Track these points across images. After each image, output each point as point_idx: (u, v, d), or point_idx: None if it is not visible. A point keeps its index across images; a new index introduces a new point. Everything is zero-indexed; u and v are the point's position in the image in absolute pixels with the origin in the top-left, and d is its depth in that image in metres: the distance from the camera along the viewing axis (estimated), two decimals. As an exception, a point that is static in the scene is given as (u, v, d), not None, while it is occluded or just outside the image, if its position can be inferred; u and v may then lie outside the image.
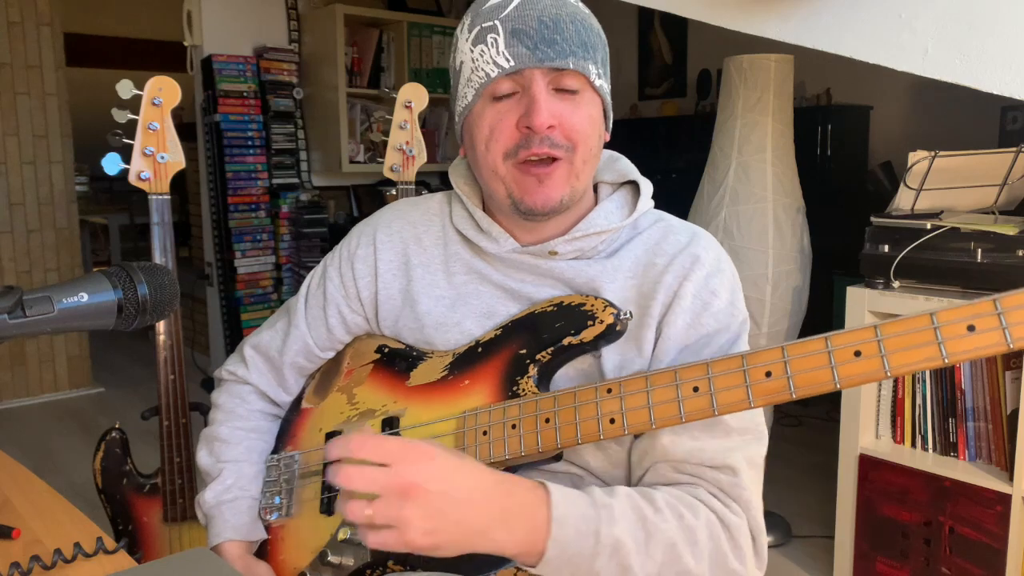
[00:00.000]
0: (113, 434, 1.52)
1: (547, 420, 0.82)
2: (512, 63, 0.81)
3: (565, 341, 0.86)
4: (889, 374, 0.70)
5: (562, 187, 0.85)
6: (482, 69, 0.83)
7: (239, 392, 1.09)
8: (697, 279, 0.86)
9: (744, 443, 0.83)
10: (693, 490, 0.82)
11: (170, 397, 1.49)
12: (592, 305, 0.85)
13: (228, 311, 3.95)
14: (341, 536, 0.94)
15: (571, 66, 0.81)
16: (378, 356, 0.99)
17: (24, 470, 1.10)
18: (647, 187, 0.93)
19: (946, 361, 0.68)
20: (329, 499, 0.98)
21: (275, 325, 1.08)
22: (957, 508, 1.81)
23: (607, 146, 0.95)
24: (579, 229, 0.89)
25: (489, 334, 0.91)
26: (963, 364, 1.80)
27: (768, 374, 0.74)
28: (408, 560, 0.89)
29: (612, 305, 0.85)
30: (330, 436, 1.00)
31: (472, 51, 0.84)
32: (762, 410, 0.86)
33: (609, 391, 0.80)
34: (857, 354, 0.71)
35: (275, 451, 1.08)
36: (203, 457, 1.06)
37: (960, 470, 1.82)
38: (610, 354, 0.87)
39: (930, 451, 1.91)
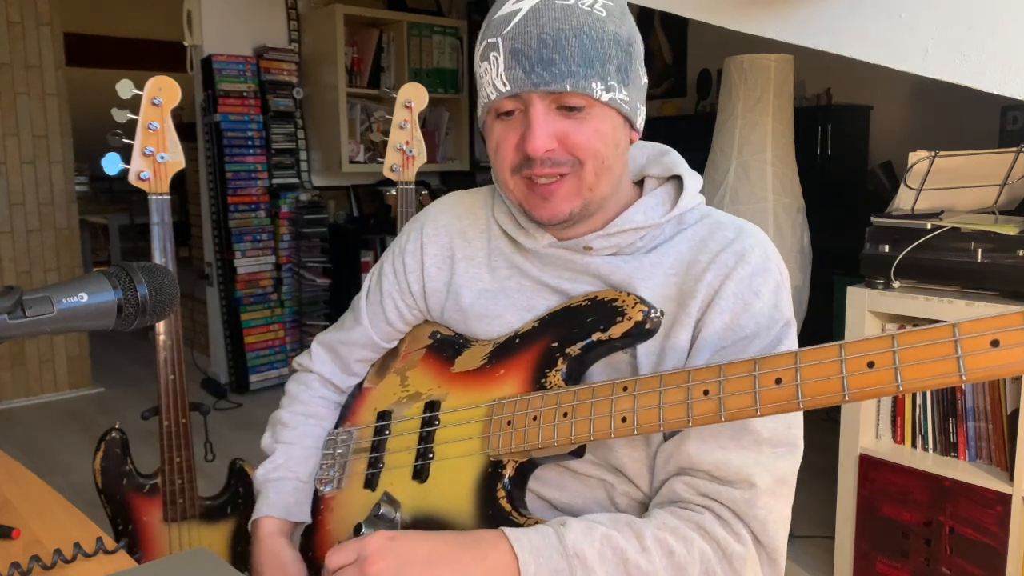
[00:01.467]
0: (113, 434, 1.52)
1: (565, 414, 0.82)
2: (509, 87, 0.80)
3: (595, 336, 0.85)
4: (901, 389, 0.65)
5: (570, 201, 0.84)
6: (485, 89, 0.84)
7: (304, 380, 1.15)
8: (739, 278, 0.83)
9: (775, 456, 0.80)
10: (698, 517, 0.79)
11: (170, 397, 1.49)
12: (624, 301, 0.84)
13: (228, 311, 3.95)
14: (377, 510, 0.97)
15: (568, 88, 0.79)
16: (430, 342, 1.03)
17: (24, 470, 1.10)
18: (693, 182, 0.91)
19: (964, 378, 0.63)
20: (372, 475, 1.01)
21: (343, 323, 1.13)
22: (957, 508, 1.81)
23: (653, 139, 0.95)
24: (614, 225, 0.87)
25: (527, 325, 0.92)
26: (963, 364, 1.80)
27: (778, 381, 0.70)
28: None
29: (643, 302, 0.82)
30: (381, 415, 1.05)
31: (480, 66, 0.84)
32: (801, 419, 0.83)
33: (625, 389, 0.79)
34: (870, 365, 0.66)
35: (336, 426, 1.13)
36: (265, 438, 1.13)
37: (960, 470, 1.81)
38: (646, 354, 0.85)
39: (930, 451, 1.91)
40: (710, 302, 0.83)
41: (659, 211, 0.89)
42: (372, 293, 1.08)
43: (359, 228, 4.12)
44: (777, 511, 0.80)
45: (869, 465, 1.95)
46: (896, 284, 1.89)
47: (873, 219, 1.94)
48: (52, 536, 0.91)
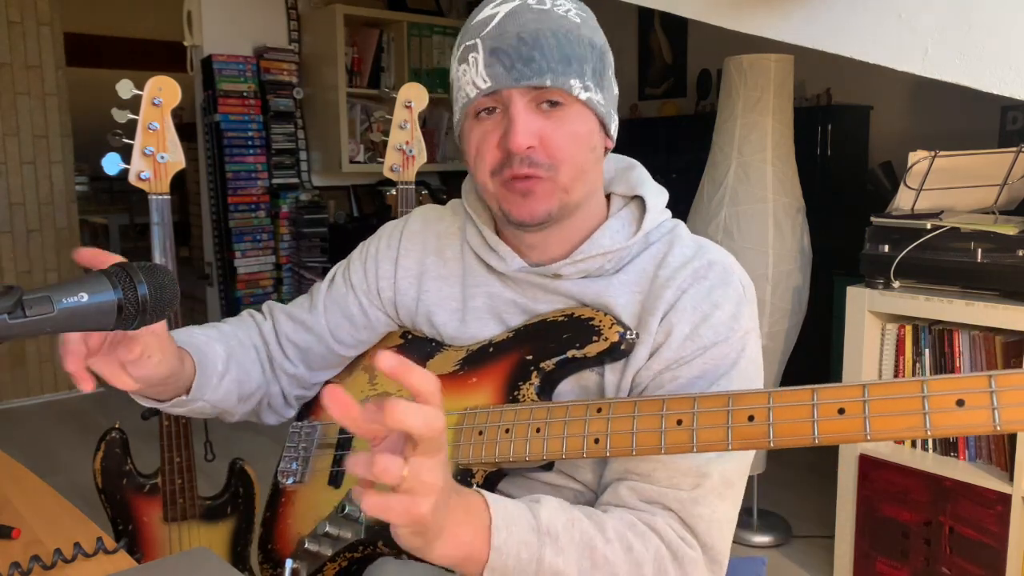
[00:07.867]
0: (113, 434, 1.52)
1: (538, 430, 0.83)
2: (489, 83, 0.81)
3: (569, 353, 0.86)
4: (869, 438, 0.67)
5: (547, 202, 0.84)
6: (464, 89, 0.84)
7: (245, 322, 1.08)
8: (696, 292, 0.84)
9: (718, 456, 0.81)
10: (650, 518, 0.80)
11: (170, 397, 1.49)
12: (600, 321, 0.86)
13: (228, 311, 3.95)
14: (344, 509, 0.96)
15: (549, 83, 0.80)
16: (402, 341, 1.03)
17: (24, 470, 1.10)
18: (656, 201, 0.92)
19: (928, 433, 0.65)
20: (337, 472, 1.01)
21: (294, 303, 1.10)
22: (957, 508, 1.81)
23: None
24: (581, 252, 0.88)
25: (502, 336, 0.93)
26: (963, 362, 1.80)
27: (751, 418, 0.71)
28: (396, 544, 0.89)
29: (620, 323, 0.85)
30: None
31: (458, 70, 0.85)
32: None
33: (599, 411, 0.80)
34: (841, 411, 0.68)
35: (300, 419, 1.12)
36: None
37: (960, 470, 1.81)
38: (611, 369, 0.87)
39: (930, 451, 1.91)
40: (666, 315, 0.84)
41: (624, 234, 0.90)
42: (336, 285, 1.07)
43: (359, 228, 4.11)
44: (722, 512, 0.81)
45: (869, 465, 1.95)
46: (896, 284, 1.89)
47: (873, 219, 1.94)
48: (52, 536, 0.91)
